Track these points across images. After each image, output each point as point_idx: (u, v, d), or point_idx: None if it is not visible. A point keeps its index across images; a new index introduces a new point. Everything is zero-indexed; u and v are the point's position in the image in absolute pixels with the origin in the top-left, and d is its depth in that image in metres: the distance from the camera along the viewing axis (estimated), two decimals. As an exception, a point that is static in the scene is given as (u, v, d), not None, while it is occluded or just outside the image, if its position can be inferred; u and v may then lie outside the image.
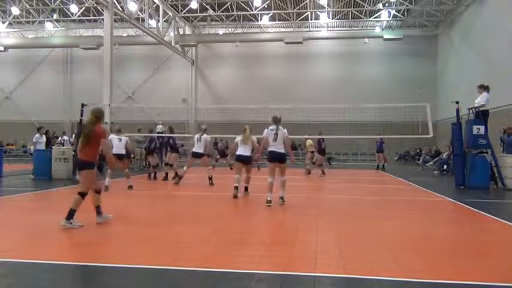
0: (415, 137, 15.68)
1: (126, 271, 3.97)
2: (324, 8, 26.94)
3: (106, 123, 18.05)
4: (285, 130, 8.07)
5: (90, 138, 5.75)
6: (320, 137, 15.94)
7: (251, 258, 4.35)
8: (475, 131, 11.37)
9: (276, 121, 8.05)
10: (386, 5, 26.36)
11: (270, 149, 7.98)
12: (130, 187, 10.45)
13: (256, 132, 9.39)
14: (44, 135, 14.12)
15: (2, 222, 6.42)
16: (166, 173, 13.17)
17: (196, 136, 11.70)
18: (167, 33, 27.09)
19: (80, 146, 5.87)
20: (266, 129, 8.10)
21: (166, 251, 4.67)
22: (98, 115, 5.89)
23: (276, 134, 7.90)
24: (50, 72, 32.67)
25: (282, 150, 7.96)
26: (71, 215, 5.57)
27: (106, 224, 6.00)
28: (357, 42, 28.99)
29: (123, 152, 10.63)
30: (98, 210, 5.99)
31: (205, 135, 11.63)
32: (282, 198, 7.99)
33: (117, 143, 10.49)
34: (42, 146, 14.06)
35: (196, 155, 11.50)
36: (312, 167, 16.09)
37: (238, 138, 9.41)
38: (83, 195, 5.69)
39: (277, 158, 7.94)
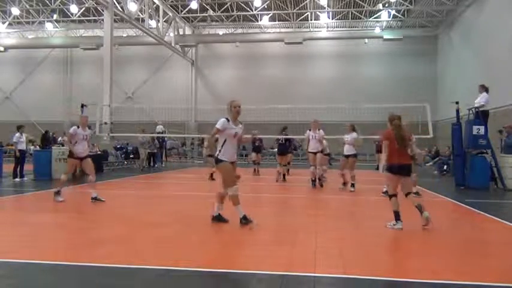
0: (415, 137, 15.63)
1: (126, 271, 3.97)
2: (324, 8, 26.95)
3: (105, 123, 18.11)
4: None
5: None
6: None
7: (251, 258, 4.36)
8: (475, 131, 11.37)
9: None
10: (386, 5, 26.36)
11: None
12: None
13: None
14: (23, 134, 13.11)
15: (2, 222, 6.42)
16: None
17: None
18: (167, 34, 27.10)
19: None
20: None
21: (167, 251, 4.67)
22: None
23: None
24: (50, 72, 32.64)
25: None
26: (397, 216, 5.89)
27: (107, 224, 6.00)
28: (357, 43, 28.98)
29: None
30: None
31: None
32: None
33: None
34: (23, 146, 13.23)
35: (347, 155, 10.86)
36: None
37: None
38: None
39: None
